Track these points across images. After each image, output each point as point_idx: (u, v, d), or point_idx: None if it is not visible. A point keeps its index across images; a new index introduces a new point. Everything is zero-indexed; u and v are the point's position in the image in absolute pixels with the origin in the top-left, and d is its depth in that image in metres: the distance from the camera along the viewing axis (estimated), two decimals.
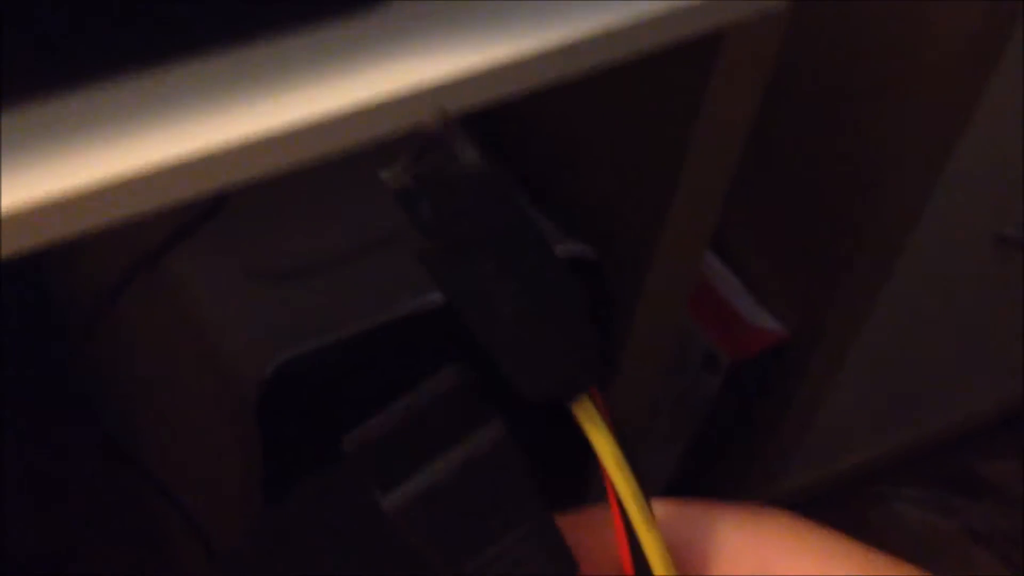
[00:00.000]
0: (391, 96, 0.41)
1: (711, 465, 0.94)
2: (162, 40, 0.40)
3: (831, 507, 1.08)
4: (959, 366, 1.06)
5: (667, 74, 0.54)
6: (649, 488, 0.20)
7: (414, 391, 0.19)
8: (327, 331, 0.54)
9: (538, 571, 0.19)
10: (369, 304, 0.56)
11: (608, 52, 0.45)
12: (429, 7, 0.43)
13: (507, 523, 0.19)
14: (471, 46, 0.42)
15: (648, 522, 0.20)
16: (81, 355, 0.62)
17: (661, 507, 0.22)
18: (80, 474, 0.79)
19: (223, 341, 0.56)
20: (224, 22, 0.40)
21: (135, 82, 0.39)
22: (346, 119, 0.40)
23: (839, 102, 0.75)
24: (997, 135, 0.82)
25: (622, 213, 0.61)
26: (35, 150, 0.37)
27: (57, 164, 0.36)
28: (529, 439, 0.22)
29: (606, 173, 0.61)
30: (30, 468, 0.78)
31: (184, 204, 0.39)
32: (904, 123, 0.71)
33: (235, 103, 0.39)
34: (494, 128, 0.67)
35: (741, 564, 0.22)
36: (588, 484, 0.71)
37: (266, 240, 0.58)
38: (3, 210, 0.35)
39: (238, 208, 0.56)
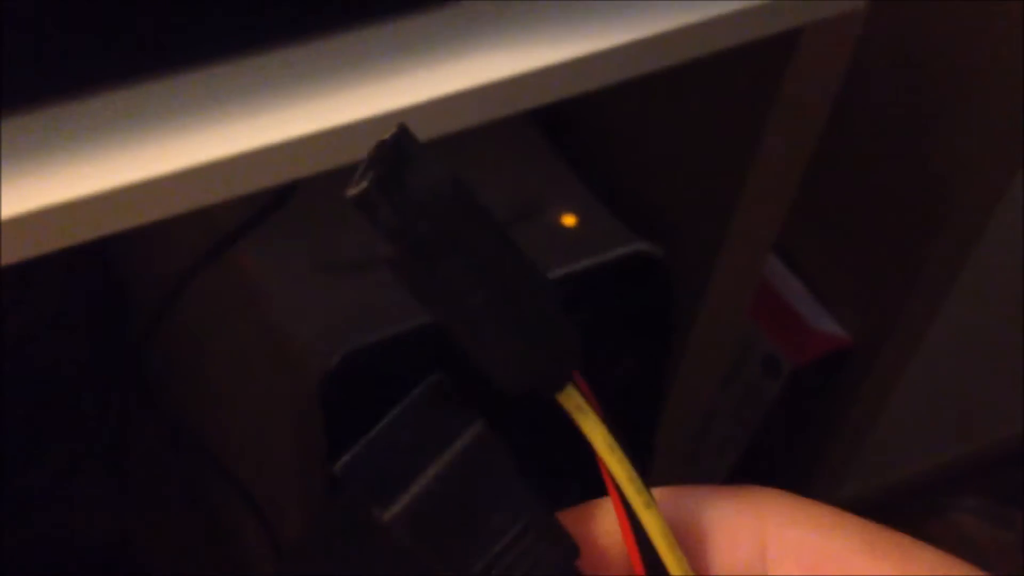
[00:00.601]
0: (462, 91, 0.41)
1: (767, 471, 0.94)
2: (236, 34, 0.40)
3: (889, 517, 1.07)
4: (1021, 377, 1.05)
5: (740, 73, 0.54)
6: (644, 471, 0.20)
7: (397, 407, 0.19)
8: (394, 322, 0.55)
9: (541, 560, 0.19)
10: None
11: (682, 51, 0.45)
12: (501, 3, 0.43)
13: (506, 519, 0.19)
14: (545, 42, 0.43)
15: (647, 503, 0.20)
16: (149, 340, 0.62)
17: (657, 493, 0.22)
18: (145, 458, 0.80)
19: (289, 330, 0.56)
20: (297, 16, 0.41)
21: (211, 75, 0.39)
22: (416, 113, 0.40)
23: (912, 106, 0.75)
24: None
25: (689, 212, 0.61)
26: (125, 134, 0.37)
27: (145, 150, 0.37)
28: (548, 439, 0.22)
29: (674, 171, 0.61)
30: (95, 451, 0.79)
31: (257, 194, 0.40)
32: (977, 128, 0.70)
33: (306, 97, 0.40)
34: (563, 125, 0.67)
35: (740, 541, 0.22)
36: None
37: (335, 230, 0.59)
38: (71, 198, 0.36)
39: (308, 198, 0.56)
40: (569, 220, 0.63)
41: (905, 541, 0.22)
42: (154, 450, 0.78)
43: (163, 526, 0.84)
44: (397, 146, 0.18)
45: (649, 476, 0.63)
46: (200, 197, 0.38)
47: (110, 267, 0.80)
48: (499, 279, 0.18)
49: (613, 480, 0.20)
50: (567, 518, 0.21)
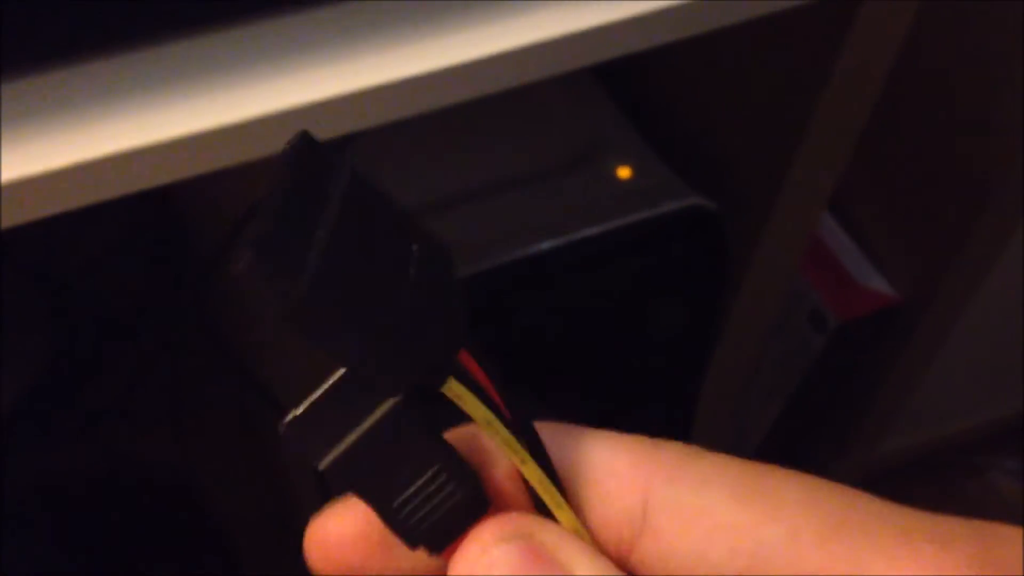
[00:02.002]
0: (527, 46, 0.41)
1: (809, 425, 0.94)
2: None
3: (927, 475, 1.08)
4: None
5: (802, 31, 0.54)
6: (536, 438, 0.23)
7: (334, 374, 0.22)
8: (459, 266, 0.56)
9: (451, 497, 0.23)
10: (495, 243, 0.58)
11: (746, 10, 0.45)
12: None
13: (419, 465, 0.23)
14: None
15: (523, 460, 0.23)
16: (208, 278, 0.64)
17: (558, 430, 0.24)
18: (200, 389, 0.82)
19: None
20: None
21: (266, 27, 0.40)
22: (482, 67, 0.41)
23: (974, 69, 0.74)
24: None
25: (745, 167, 0.61)
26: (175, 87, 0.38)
27: (210, 99, 0.38)
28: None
29: (731, 126, 0.62)
30: (153, 376, 0.81)
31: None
32: None
33: (370, 48, 0.40)
34: (621, 74, 0.67)
35: (626, 492, 0.23)
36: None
37: (392, 178, 0.60)
38: (117, 150, 0.37)
39: (365, 146, 0.57)
40: (624, 172, 0.63)
41: (771, 483, 0.23)
42: (209, 382, 0.79)
43: (215, 454, 0.86)
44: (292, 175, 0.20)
45: (691, 425, 0.64)
46: (266, 149, 0.39)
47: (173, 202, 0.81)
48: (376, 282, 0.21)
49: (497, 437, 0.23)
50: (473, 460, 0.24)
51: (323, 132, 0.40)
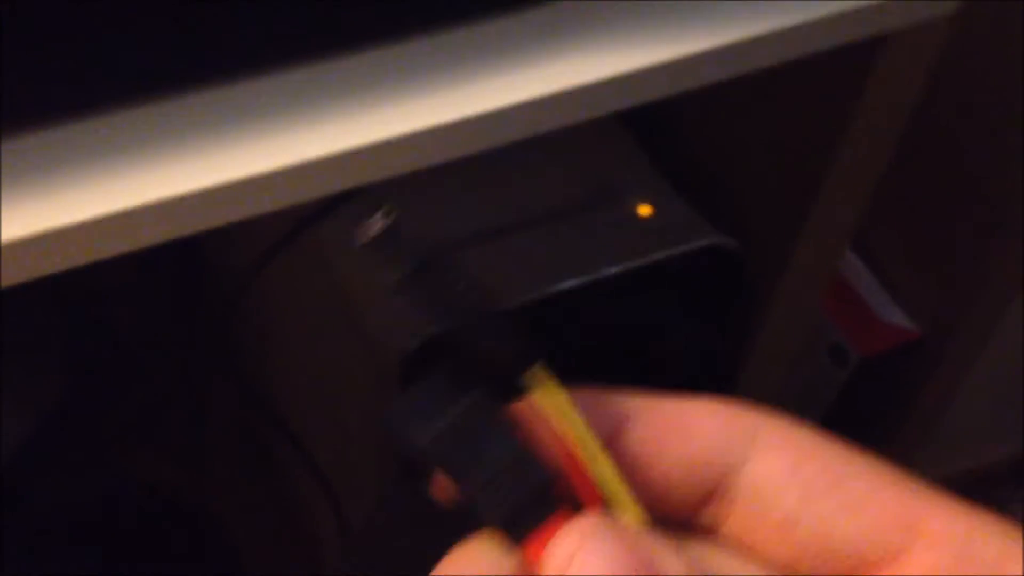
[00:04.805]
0: (553, 93, 0.41)
1: None
2: (329, 34, 0.41)
3: None
4: None
5: (825, 73, 0.54)
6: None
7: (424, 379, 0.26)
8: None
9: (528, 486, 0.25)
10: (517, 282, 0.57)
11: (771, 55, 0.45)
12: (598, 4, 0.44)
13: (500, 454, 0.25)
14: (636, 45, 0.43)
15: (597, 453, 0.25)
16: (230, 314, 0.64)
17: (630, 402, 0.26)
18: (221, 420, 0.82)
19: (370, 311, 0.57)
20: (391, 16, 0.41)
21: (303, 75, 0.40)
22: (510, 114, 0.41)
23: (990, 101, 0.74)
24: None
25: (766, 207, 0.61)
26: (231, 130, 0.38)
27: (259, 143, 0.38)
28: None
29: (754, 167, 0.62)
30: (175, 403, 0.81)
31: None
32: None
33: (397, 97, 0.40)
34: (641, 112, 0.67)
35: (735, 424, 0.25)
36: None
37: (412, 217, 0.60)
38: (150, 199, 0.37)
39: (393, 179, 0.57)
40: (645, 210, 0.63)
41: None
42: (231, 414, 0.79)
43: (231, 482, 0.86)
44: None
45: None
46: (304, 193, 0.39)
47: (194, 245, 0.81)
48: (475, 292, 0.25)
49: (571, 434, 0.25)
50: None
51: (348, 182, 0.40)
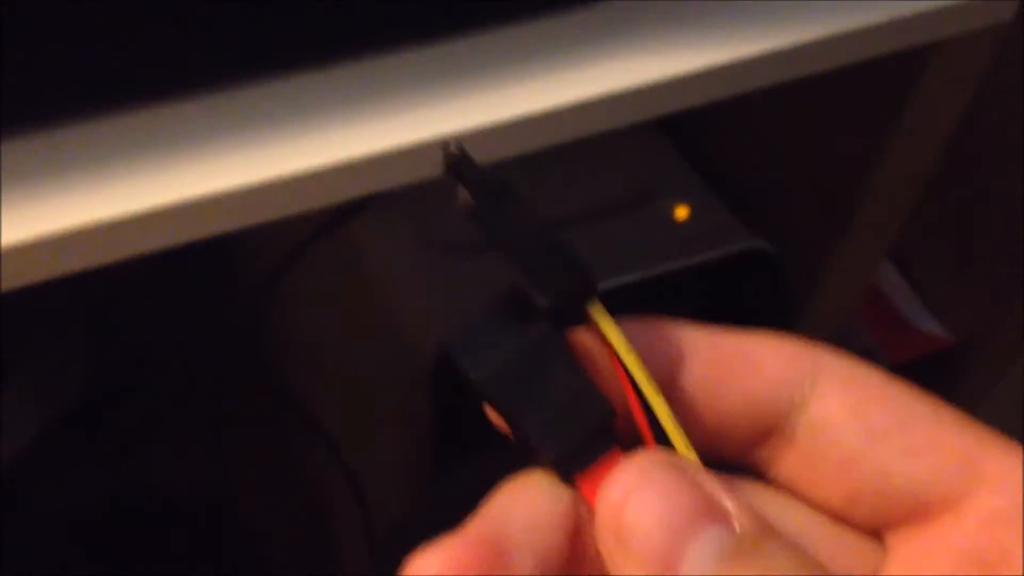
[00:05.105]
0: (601, 95, 0.41)
1: None
2: (377, 31, 0.40)
3: None
4: None
5: (870, 81, 0.53)
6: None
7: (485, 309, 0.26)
8: None
9: (585, 420, 0.24)
10: None
11: (820, 61, 0.44)
12: (646, 5, 0.43)
13: (562, 387, 0.25)
14: (684, 49, 0.42)
15: (655, 391, 0.24)
16: (261, 311, 0.63)
17: (698, 333, 0.26)
18: (246, 417, 0.82)
19: (403, 310, 0.57)
20: (441, 16, 0.41)
21: (357, 71, 0.40)
22: (556, 117, 0.40)
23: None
24: None
25: (805, 213, 0.60)
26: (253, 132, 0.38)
27: (299, 142, 0.38)
28: None
29: (795, 173, 0.61)
30: (203, 416, 0.81)
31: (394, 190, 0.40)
32: None
33: (445, 97, 0.40)
34: (680, 119, 0.66)
35: (798, 359, 0.25)
36: None
37: (451, 217, 0.59)
38: (182, 199, 0.36)
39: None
40: (682, 212, 0.62)
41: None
42: (256, 411, 0.79)
43: (257, 485, 0.85)
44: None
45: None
46: (349, 190, 0.38)
47: (225, 240, 0.81)
48: (537, 230, 0.25)
49: (632, 379, 0.25)
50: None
51: (389, 182, 0.39)
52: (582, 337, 0.25)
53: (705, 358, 0.25)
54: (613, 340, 0.25)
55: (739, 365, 0.25)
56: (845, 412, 0.24)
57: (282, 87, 0.39)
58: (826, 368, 0.25)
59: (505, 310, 0.25)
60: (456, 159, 0.24)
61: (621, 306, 0.59)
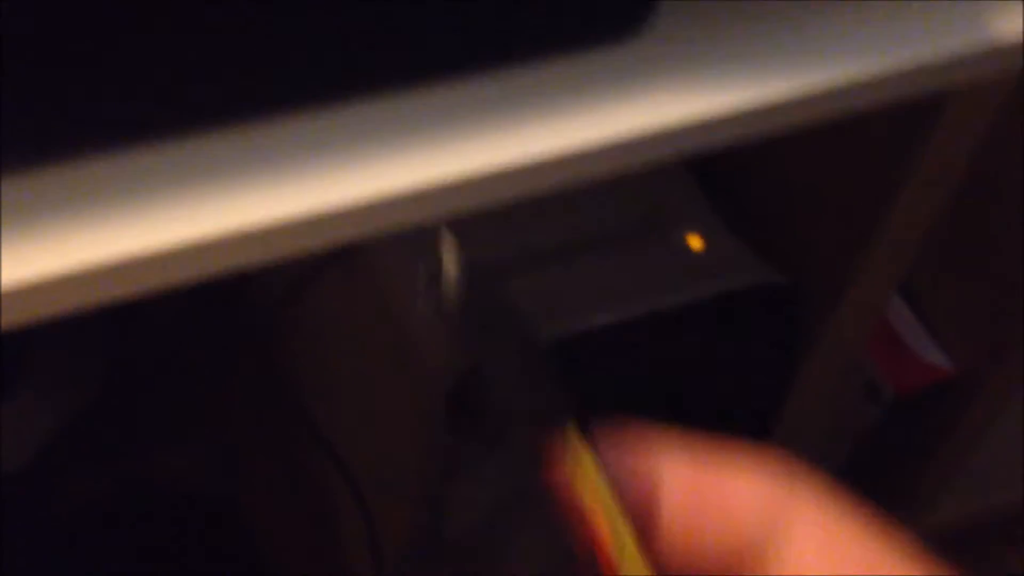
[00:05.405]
0: (625, 135, 0.42)
1: (859, 492, 0.94)
2: (406, 69, 0.41)
3: (975, 545, 1.07)
4: None
5: (886, 125, 0.54)
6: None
7: None
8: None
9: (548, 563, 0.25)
10: (572, 309, 0.58)
11: (840, 105, 0.45)
12: (669, 48, 0.44)
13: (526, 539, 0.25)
14: (707, 91, 0.43)
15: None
16: (276, 329, 0.64)
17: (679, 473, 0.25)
18: (262, 442, 0.83)
19: (418, 333, 0.58)
20: (470, 54, 0.41)
21: (386, 108, 0.40)
22: (582, 156, 0.41)
23: None
24: None
25: (818, 248, 0.61)
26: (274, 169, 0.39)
27: (322, 179, 0.38)
28: None
29: (811, 208, 0.62)
30: (212, 423, 0.82)
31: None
32: None
33: (471, 135, 0.40)
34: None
35: (769, 509, 0.25)
36: None
37: (472, 236, 0.60)
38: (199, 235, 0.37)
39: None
40: (696, 242, 0.63)
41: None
42: (259, 411, 0.80)
43: (267, 500, 0.86)
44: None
45: None
46: (376, 225, 0.39)
47: None
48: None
49: (599, 503, 0.25)
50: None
51: (411, 219, 0.40)
52: (555, 469, 0.25)
53: (680, 500, 0.25)
54: (586, 473, 0.24)
55: (715, 510, 0.25)
56: (813, 557, 0.25)
57: (309, 123, 0.39)
58: (802, 517, 0.25)
59: (479, 445, 0.25)
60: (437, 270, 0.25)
61: (632, 336, 0.60)
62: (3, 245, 0.35)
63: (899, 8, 0.46)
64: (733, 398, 0.66)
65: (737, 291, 0.60)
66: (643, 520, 0.25)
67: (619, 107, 0.42)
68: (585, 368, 0.59)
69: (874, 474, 0.92)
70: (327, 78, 0.40)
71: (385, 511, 0.66)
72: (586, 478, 0.24)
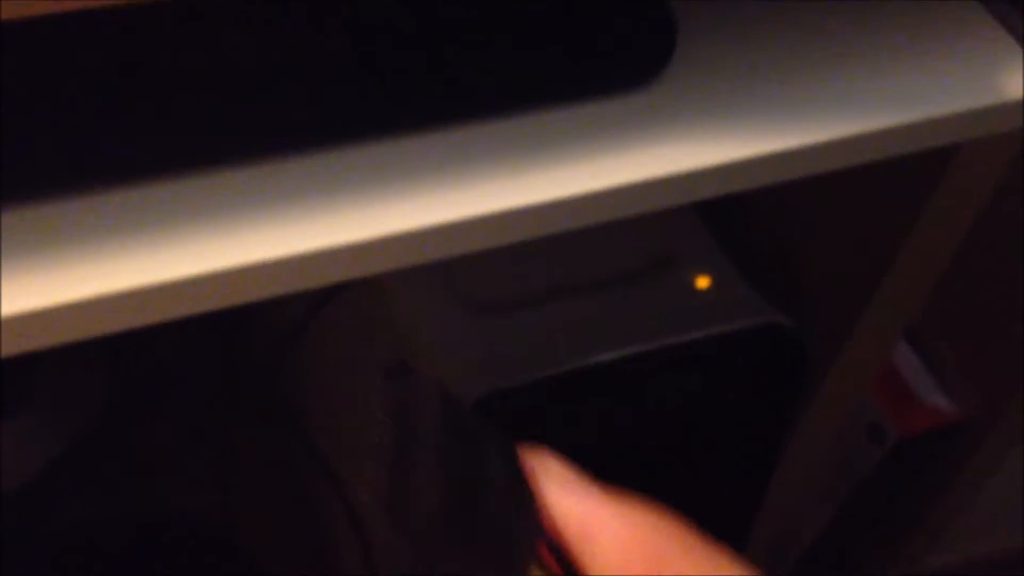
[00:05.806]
0: (637, 181, 0.42)
1: (861, 532, 0.94)
2: (427, 111, 0.41)
3: None
4: None
5: (897, 172, 0.55)
6: None
7: None
8: (532, 368, 0.56)
9: None
10: (578, 345, 0.58)
11: (851, 156, 0.46)
12: (682, 97, 0.45)
13: None
14: (720, 139, 0.44)
15: None
16: (282, 362, 0.65)
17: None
18: (263, 467, 0.83)
19: (426, 368, 0.58)
20: (488, 99, 0.42)
21: (404, 148, 0.41)
22: (594, 200, 0.42)
23: None
24: None
25: (828, 292, 0.62)
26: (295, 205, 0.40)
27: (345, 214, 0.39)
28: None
29: (819, 252, 0.62)
30: (215, 454, 0.82)
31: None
32: None
33: (488, 177, 0.41)
34: None
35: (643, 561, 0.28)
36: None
37: (481, 272, 0.61)
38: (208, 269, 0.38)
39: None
40: (703, 282, 0.64)
41: None
42: (262, 442, 0.80)
43: (267, 528, 0.86)
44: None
45: (750, 526, 0.64)
46: (392, 262, 0.40)
47: None
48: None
49: None
50: None
51: (414, 259, 0.41)
52: None
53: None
54: None
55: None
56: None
57: (319, 161, 0.40)
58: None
59: None
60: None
61: (638, 373, 0.60)
62: (3, 276, 0.36)
63: (903, 66, 0.47)
64: (737, 437, 0.66)
65: (743, 332, 0.60)
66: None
67: (633, 153, 0.43)
68: (590, 403, 0.59)
69: (876, 515, 0.93)
70: (341, 119, 0.41)
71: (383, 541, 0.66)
72: None
